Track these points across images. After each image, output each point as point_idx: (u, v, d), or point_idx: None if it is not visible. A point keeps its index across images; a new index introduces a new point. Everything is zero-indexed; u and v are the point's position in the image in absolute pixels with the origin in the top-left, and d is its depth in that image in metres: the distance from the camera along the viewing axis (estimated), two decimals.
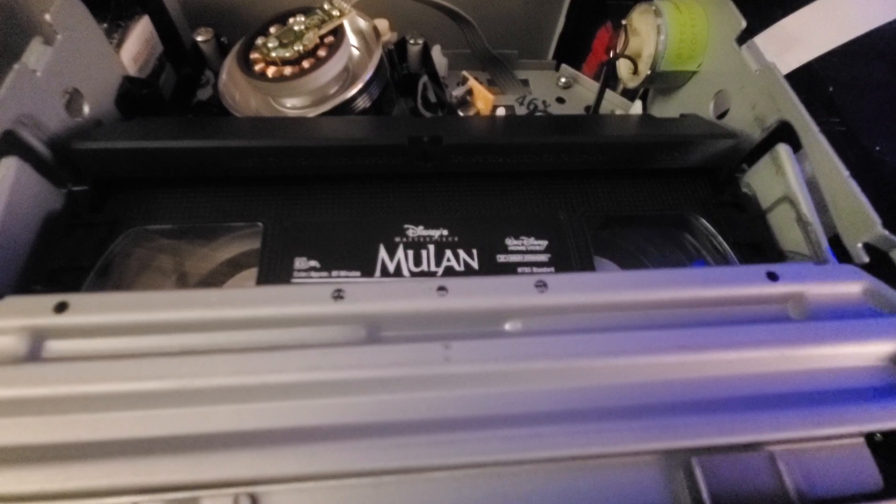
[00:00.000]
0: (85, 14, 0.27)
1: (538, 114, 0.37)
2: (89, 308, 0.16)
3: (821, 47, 0.30)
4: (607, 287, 0.18)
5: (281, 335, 0.17)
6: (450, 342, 0.16)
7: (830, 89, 0.30)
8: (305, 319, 0.17)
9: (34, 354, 0.16)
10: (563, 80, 0.41)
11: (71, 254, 0.22)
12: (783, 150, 0.25)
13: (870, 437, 0.16)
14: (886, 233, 0.20)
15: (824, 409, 0.16)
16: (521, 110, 0.39)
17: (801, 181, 0.24)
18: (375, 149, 0.24)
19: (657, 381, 0.16)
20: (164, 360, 0.15)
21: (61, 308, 0.16)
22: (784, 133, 0.26)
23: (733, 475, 0.15)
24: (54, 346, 0.16)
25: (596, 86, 0.40)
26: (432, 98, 0.37)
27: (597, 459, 0.15)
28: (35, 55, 0.23)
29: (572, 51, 0.41)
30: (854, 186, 0.22)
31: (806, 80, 0.30)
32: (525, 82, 0.41)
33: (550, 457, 0.14)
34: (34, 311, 0.16)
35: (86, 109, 0.26)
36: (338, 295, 0.17)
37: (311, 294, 0.17)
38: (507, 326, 0.17)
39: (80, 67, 0.26)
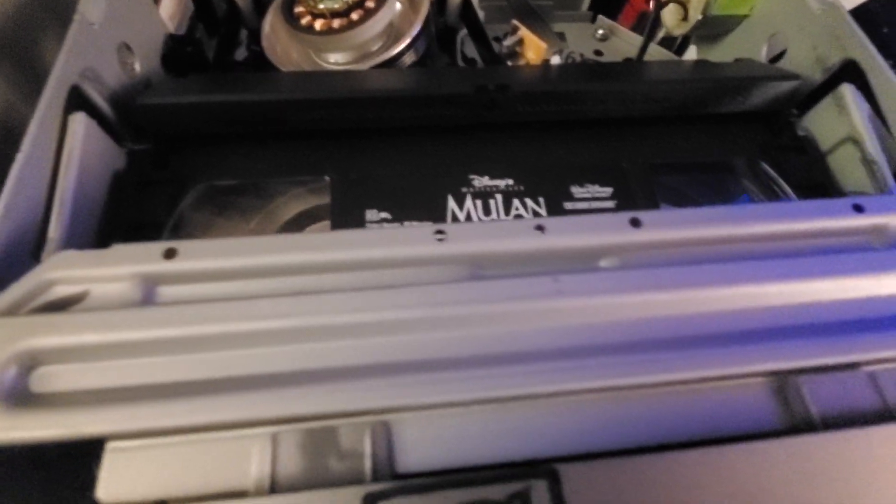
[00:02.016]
0: None
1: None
2: (198, 254, 0.16)
3: None
4: (700, 221, 0.18)
5: (386, 276, 0.17)
6: (558, 276, 0.16)
7: (885, 30, 0.29)
8: (410, 260, 0.17)
9: (149, 300, 0.16)
10: (600, 31, 0.40)
11: (144, 211, 0.22)
12: (848, 89, 0.25)
13: None
14: None
15: None
16: None
17: (868, 121, 0.24)
18: (442, 98, 0.24)
19: (760, 308, 0.16)
20: (282, 300, 0.15)
21: (170, 254, 0.16)
22: (847, 73, 0.26)
23: (837, 394, 0.15)
24: (167, 291, 0.16)
25: (634, 37, 0.39)
26: (469, 54, 0.36)
27: (709, 382, 0.15)
28: (91, 6, 0.23)
29: (609, 1, 0.40)
30: None
31: (860, 19, 0.30)
32: (561, 35, 0.40)
33: (666, 380, 0.15)
34: (144, 257, 0.16)
35: (137, 66, 0.26)
36: (440, 236, 0.17)
37: (413, 235, 0.17)
38: (604, 263, 0.18)
39: (129, 22, 0.25)
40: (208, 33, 0.36)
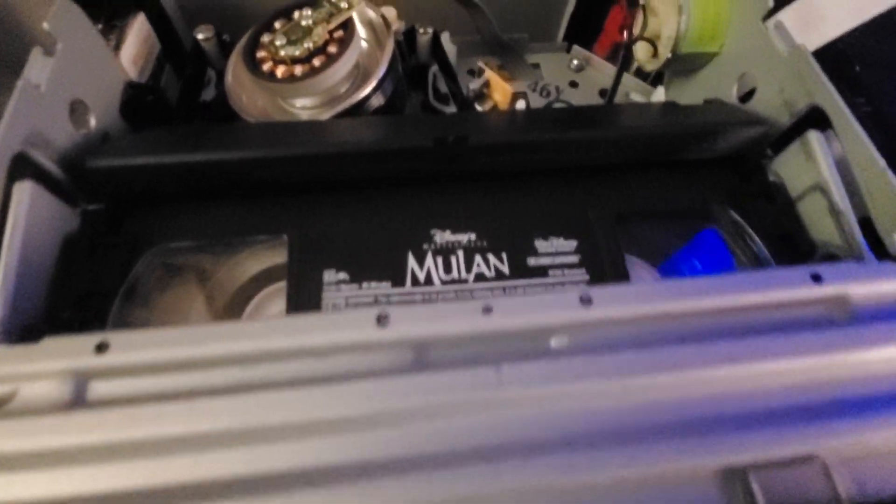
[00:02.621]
0: (82, 18, 0.25)
1: (557, 104, 0.36)
2: (129, 346, 0.16)
3: (847, 23, 0.29)
4: (653, 298, 0.17)
5: (327, 364, 0.16)
6: (500, 365, 0.16)
7: (857, 69, 0.29)
8: (351, 347, 0.16)
9: (79, 397, 0.15)
10: (574, 62, 0.39)
11: (95, 278, 0.22)
12: (815, 137, 0.25)
13: None
14: None
15: (875, 415, 0.16)
16: (534, 97, 0.38)
17: (834, 170, 0.24)
18: (399, 152, 0.24)
19: (708, 395, 0.16)
20: (213, 400, 0.15)
21: (102, 348, 0.16)
22: (814, 118, 0.25)
23: (789, 488, 0.15)
24: (98, 387, 0.16)
25: (609, 67, 0.39)
26: (443, 89, 0.36)
27: (652, 478, 0.15)
28: (37, 68, 0.22)
29: (583, 31, 0.40)
30: (892, 177, 0.21)
31: (831, 58, 0.29)
32: (536, 66, 0.40)
33: (610, 478, 0.14)
34: (75, 352, 0.15)
35: (92, 122, 0.25)
36: (382, 320, 0.16)
37: (354, 321, 0.16)
38: (553, 342, 0.17)
39: (82, 77, 0.25)
40: (176, 74, 0.35)
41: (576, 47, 0.40)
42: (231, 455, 0.15)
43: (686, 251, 0.26)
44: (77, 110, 0.25)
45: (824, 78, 0.24)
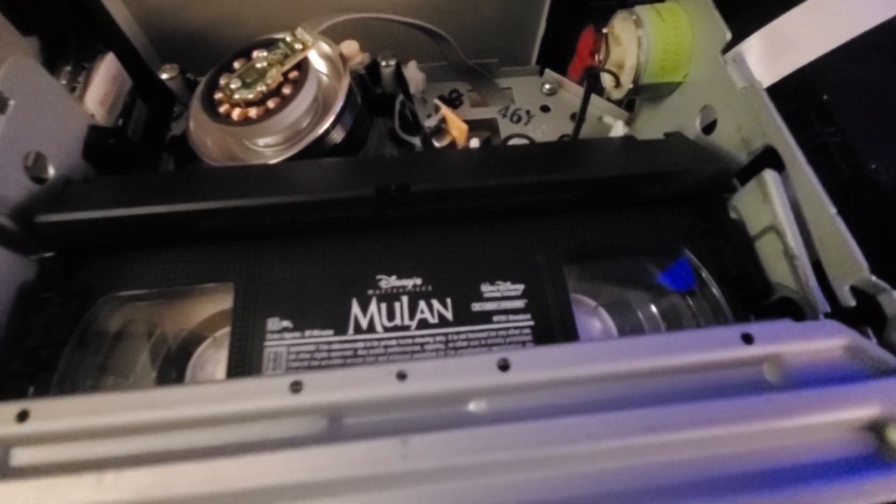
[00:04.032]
0: (38, 72, 0.26)
1: (515, 140, 0.36)
2: (49, 415, 0.16)
3: (815, 51, 0.28)
4: (571, 362, 0.17)
5: (242, 431, 0.17)
6: (408, 436, 0.16)
7: (825, 97, 0.28)
8: (266, 414, 0.17)
9: (2, 464, 0.16)
10: (547, 86, 0.39)
11: (45, 330, 0.23)
12: (770, 177, 0.24)
13: None
14: (874, 278, 0.19)
15: (793, 490, 0.15)
16: (504, 122, 0.38)
17: (789, 212, 0.23)
18: (343, 201, 0.24)
19: (626, 466, 0.16)
20: (124, 472, 0.15)
21: (23, 417, 0.16)
22: (771, 157, 0.24)
23: None
24: (20, 454, 0.16)
25: (581, 90, 0.38)
26: (411, 117, 0.36)
27: None
28: None
29: (556, 55, 0.39)
30: (841, 226, 0.21)
31: (799, 87, 0.28)
32: (507, 90, 0.39)
33: None
34: None
35: (51, 171, 0.26)
36: (296, 388, 0.16)
37: (269, 387, 0.16)
38: (472, 407, 0.17)
39: (39, 129, 0.25)
40: (149, 108, 0.36)
41: (548, 71, 0.39)
42: None
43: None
44: (34, 160, 0.25)
45: (777, 117, 0.23)
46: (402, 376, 0.17)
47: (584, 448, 0.16)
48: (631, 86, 0.30)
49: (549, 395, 0.17)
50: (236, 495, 0.15)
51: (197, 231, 0.24)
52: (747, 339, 0.18)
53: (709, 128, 0.29)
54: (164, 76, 0.33)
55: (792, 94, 0.29)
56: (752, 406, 0.16)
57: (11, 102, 0.24)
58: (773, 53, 0.29)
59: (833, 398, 0.16)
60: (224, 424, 0.16)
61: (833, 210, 0.21)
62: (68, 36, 0.32)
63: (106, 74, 0.33)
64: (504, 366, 0.17)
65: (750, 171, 0.26)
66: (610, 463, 0.16)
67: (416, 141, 0.34)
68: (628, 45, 0.30)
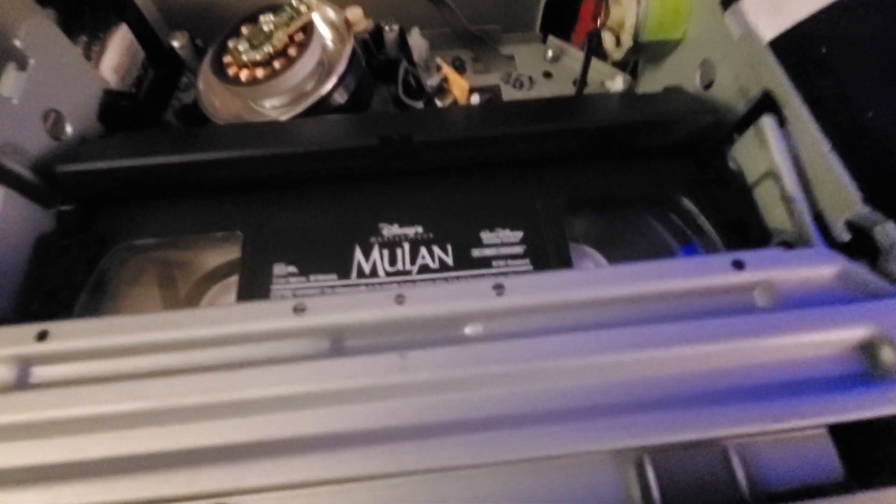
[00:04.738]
0: (56, 34, 0.27)
1: (528, 92, 0.36)
2: (67, 335, 0.17)
3: (814, 4, 0.28)
4: (565, 286, 0.18)
5: (249, 350, 0.17)
6: (406, 352, 0.16)
7: (823, 50, 0.28)
8: (271, 334, 0.17)
9: (22, 381, 0.17)
10: (550, 52, 0.39)
11: (64, 273, 0.24)
12: (767, 122, 0.24)
13: (835, 427, 0.16)
14: (868, 209, 0.20)
15: (782, 402, 0.16)
16: (506, 88, 0.38)
17: (786, 155, 0.23)
18: (347, 151, 0.25)
19: (612, 381, 0.16)
20: (139, 383, 0.16)
21: (42, 336, 0.17)
22: (769, 104, 0.25)
23: (685, 471, 0.15)
24: (40, 371, 0.17)
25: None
26: (414, 83, 0.36)
27: (552, 461, 0.15)
28: (9, 82, 0.24)
29: (559, 21, 0.39)
30: (835, 161, 0.21)
31: (798, 41, 0.28)
32: (511, 58, 0.40)
33: (504, 460, 0.15)
34: (17, 340, 0.17)
35: (68, 129, 0.27)
36: (299, 309, 0.17)
37: (273, 310, 0.17)
38: (468, 330, 0.18)
39: (57, 88, 0.27)
40: (157, 75, 0.37)
41: (551, 37, 0.39)
42: (154, 432, 0.16)
43: None
44: (53, 119, 0.26)
45: (773, 61, 0.24)
46: (400, 299, 0.17)
47: (573, 362, 0.16)
48: (631, 44, 0.30)
49: (543, 318, 0.18)
50: (244, 405, 0.16)
51: (207, 182, 0.25)
52: (738, 265, 0.18)
53: (708, 87, 0.29)
54: (175, 43, 0.34)
55: (791, 48, 0.29)
56: (742, 324, 0.17)
57: (31, 61, 0.25)
58: (773, 8, 0.29)
59: (824, 318, 0.17)
60: (232, 344, 0.17)
61: (827, 146, 0.21)
62: (83, 7, 0.33)
63: (120, 44, 0.34)
64: (499, 289, 0.18)
65: (747, 123, 0.26)
66: (600, 377, 0.16)
67: (420, 105, 0.34)
68: (627, 4, 0.31)
